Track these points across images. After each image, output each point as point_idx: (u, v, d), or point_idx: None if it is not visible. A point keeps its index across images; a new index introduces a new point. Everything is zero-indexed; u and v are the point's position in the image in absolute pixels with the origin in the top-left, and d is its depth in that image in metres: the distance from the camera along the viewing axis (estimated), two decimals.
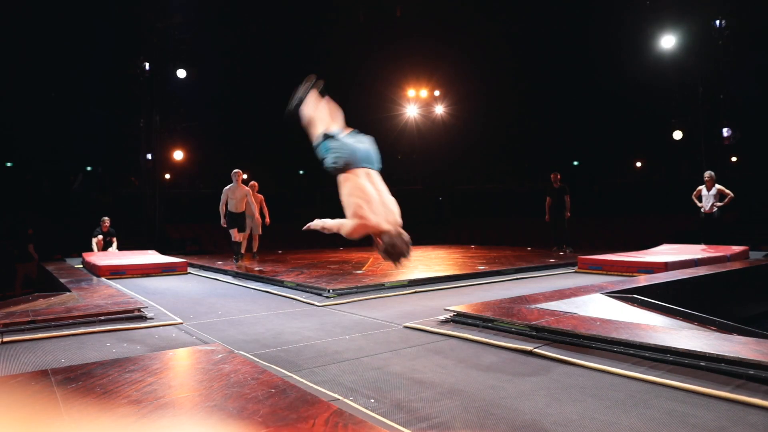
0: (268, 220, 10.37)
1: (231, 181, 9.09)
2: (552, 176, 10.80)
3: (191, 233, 17.24)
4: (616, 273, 7.40)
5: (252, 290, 6.81)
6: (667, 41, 14.28)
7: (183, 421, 2.16)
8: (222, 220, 9.23)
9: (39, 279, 10.38)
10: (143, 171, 16.21)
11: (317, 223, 3.53)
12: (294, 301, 5.85)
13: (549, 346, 3.51)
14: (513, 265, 8.25)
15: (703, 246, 9.17)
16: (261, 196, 10.34)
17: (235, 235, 9.03)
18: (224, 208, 9.14)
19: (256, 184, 10.36)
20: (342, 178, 3.25)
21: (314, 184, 22.51)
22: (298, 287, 6.51)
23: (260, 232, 10.42)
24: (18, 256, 11.62)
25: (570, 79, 19.92)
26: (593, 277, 7.34)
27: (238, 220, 9.05)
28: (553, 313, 4.16)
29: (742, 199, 11.10)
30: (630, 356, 3.20)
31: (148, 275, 8.42)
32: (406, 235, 3.06)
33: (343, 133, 3.42)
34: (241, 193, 9.14)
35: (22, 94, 16.87)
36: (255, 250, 10.52)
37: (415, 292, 6.26)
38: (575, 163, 22.03)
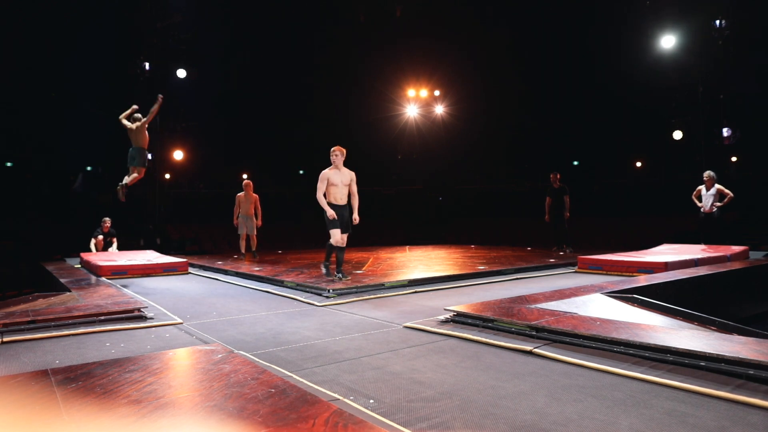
0: (260, 221, 10.37)
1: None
2: (552, 176, 10.80)
3: (191, 233, 17.24)
4: (616, 273, 7.40)
5: (252, 290, 6.81)
6: (667, 41, 14.28)
7: (183, 421, 2.16)
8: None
9: (39, 279, 10.38)
10: None
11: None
12: (294, 301, 5.85)
13: (549, 346, 3.51)
14: (513, 265, 8.25)
15: (703, 246, 9.17)
16: (256, 196, 10.32)
17: (336, 237, 6.53)
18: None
19: (251, 183, 10.36)
20: None
21: (314, 184, 22.51)
22: (298, 287, 6.51)
23: (255, 232, 10.43)
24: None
25: (570, 79, 19.92)
26: (593, 277, 7.34)
27: (342, 215, 6.62)
28: (553, 313, 4.16)
29: (742, 199, 11.10)
30: (630, 356, 3.20)
31: (149, 275, 8.43)
32: None
33: None
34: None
35: (23, 94, 16.87)
36: (254, 249, 10.52)
37: (415, 292, 6.26)
38: (575, 163, 22.05)
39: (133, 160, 7.88)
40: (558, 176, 10.78)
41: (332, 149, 6.54)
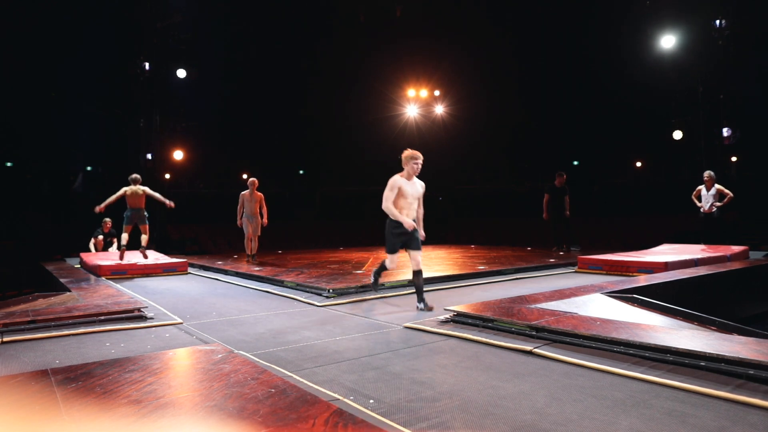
0: (266, 221, 9.77)
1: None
2: (558, 176, 10.78)
3: (191, 233, 17.24)
4: (616, 273, 7.40)
5: (252, 290, 6.81)
6: (667, 41, 14.29)
7: (183, 421, 2.16)
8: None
9: (39, 279, 10.39)
10: (143, 171, 16.21)
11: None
12: (294, 301, 5.84)
13: (549, 346, 3.51)
14: (513, 265, 8.25)
15: (703, 246, 9.17)
16: (260, 195, 9.69)
17: (394, 263, 5.48)
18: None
19: (256, 181, 9.71)
20: None
21: (314, 184, 22.54)
22: (298, 287, 6.51)
23: (259, 233, 9.82)
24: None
25: (570, 79, 19.94)
26: (593, 277, 7.34)
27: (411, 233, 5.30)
28: (553, 313, 4.16)
29: (742, 199, 11.10)
30: (630, 356, 3.19)
31: (148, 275, 8.44)
32: None
33: None
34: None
35: (22, 94, 16.88)
36: (254, 252, 9.92)
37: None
38: (575, 163, 22.06)
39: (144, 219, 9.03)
40: (564, 177, 10.79)
41: (412, 154, 5.27)
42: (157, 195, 9.06)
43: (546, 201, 10.80)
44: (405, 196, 5.23)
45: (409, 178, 5.29)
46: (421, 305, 5.25)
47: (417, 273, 5.33)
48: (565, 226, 10.93)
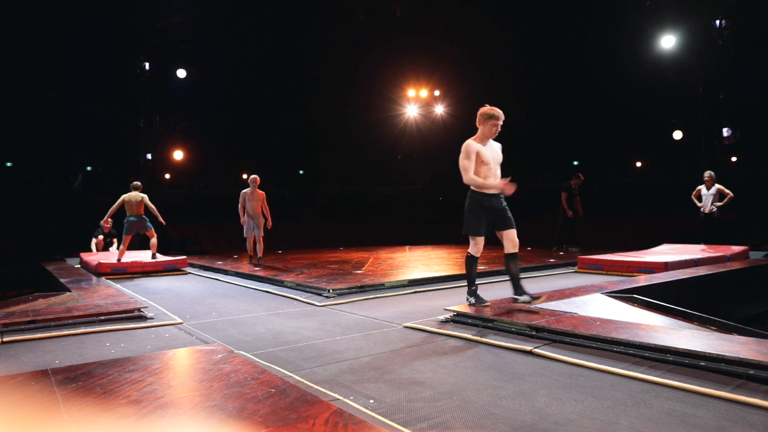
0: (270, 223, 9.06)
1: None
2: (574, 177, 10.96)
3: (191, 233, 17.24)
4: (616, 273, 7.39)
5: (252, 290, 6.81)
6: (667, 41, 14.31)
7: (183, 421, 2.16)
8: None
9: (39, 279, 10.39)
10: (143, 171, 16.24)
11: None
12: (294, 301, 5.85)
13: (549, 346, 3.51)
14: None
15: (703, 246, 9.17)
16: (262, 193, 9.04)
17: (479, 246, 4.77)
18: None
19: (258, 178, 9.05)
20: None
21: (314, 184, 22.56)
22: (298, 287, 6.51)
23: (262, 234, 9.07)
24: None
25: (570, 79, 19.94)
26: (593, 277, 7.33)
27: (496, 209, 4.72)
28: (553, 313, 4.16)
29: (742, 199, 11.10)
30: (630, 356, 3.19)
31: (148, 273, 8.44)
32: None
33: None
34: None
35: (23, 94, 16.89)
36: (260, 255, 9.11)
37: (415, 292, 6.26)
38: (575, 162, 22.08)
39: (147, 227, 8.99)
40: (581, 179, 10.99)
41: (492, 112, 4.40)
42: (153, 207, 8.88)
43: (565, 198, 10.90)
44: (486, 162, 4.39)
45: (484, 141, 4.43)
46: (525, 297, 4.42)
47: (513, 257, 4.55)
48: (570, 227, 11.03)
